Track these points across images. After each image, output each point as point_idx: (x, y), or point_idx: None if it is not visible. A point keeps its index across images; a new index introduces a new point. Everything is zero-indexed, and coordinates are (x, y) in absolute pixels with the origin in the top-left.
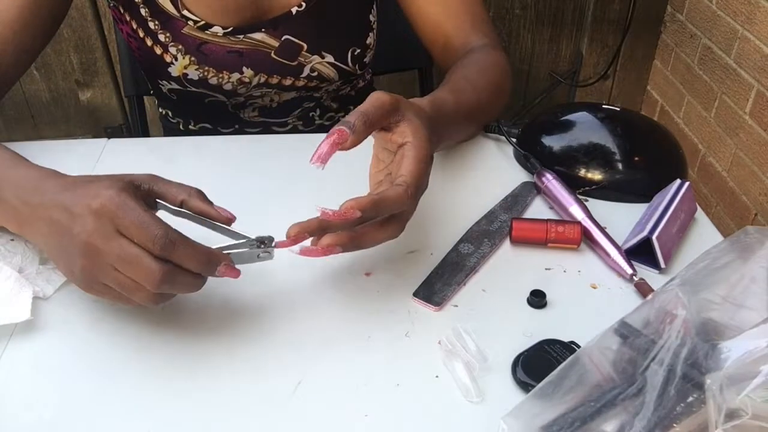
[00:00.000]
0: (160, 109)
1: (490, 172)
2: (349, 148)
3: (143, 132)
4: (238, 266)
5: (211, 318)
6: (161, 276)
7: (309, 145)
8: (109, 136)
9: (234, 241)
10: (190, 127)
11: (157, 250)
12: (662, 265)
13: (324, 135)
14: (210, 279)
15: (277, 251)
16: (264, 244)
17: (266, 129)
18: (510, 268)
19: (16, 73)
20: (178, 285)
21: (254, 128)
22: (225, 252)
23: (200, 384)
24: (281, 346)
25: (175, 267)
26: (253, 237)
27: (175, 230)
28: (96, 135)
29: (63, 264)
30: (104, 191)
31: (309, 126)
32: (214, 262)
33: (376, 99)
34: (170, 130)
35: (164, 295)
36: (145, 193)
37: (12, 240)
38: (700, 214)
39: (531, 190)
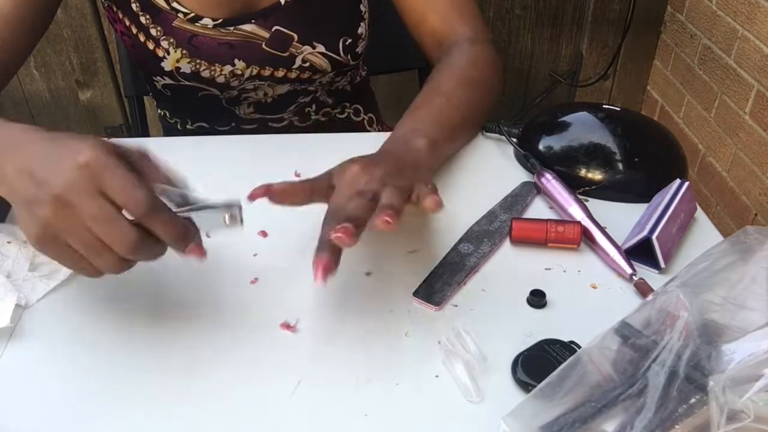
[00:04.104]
0: (159, 110)
1: (490, 172)
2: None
3: (143, 132)
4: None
5: (209, 317)
6: (136, 240)
7: (309, 144)
8: (109, 136)
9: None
10: (188, 126)
11: (139, 213)
12: (662, 265)
13: (322, 134)
14: (209, 275)
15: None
16: (231, 207)
17: (262, 125)
18: (510, 268)
19: (14, 68)
20: (146, 253)
21: (250, 125)
22: (189, 212)
23: (199, 384)
24: (281, 346)
25: (149, 234)
26: (220, 201)
27: (157, 197)
28: (96, 135)
29: (25, 216)
30: (91, 150)
31: (305, 122)
32: (190, 235)
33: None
34: (169, 131)
35: (129, 263)
36: (131, 163)
37: (9, 243)
38: (700, 214)
39: (531, 190)
